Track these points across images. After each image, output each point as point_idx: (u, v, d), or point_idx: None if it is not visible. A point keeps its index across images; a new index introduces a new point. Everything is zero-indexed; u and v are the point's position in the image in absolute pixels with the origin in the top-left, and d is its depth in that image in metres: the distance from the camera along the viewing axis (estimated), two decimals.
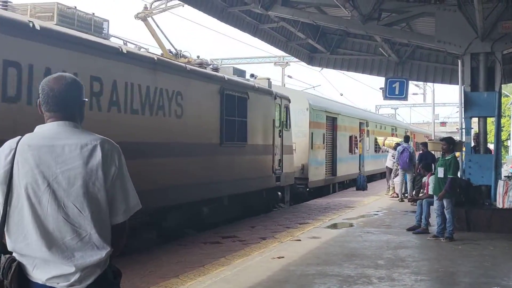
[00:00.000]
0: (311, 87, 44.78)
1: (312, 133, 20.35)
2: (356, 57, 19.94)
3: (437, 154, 20.26)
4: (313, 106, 20.64)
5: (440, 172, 10.67)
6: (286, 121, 17.41)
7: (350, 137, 25.97)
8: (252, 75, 16.30)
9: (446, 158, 10.76)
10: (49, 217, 2.78)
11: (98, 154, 2.84)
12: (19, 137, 2.86)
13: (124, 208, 2.96)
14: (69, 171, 2.79)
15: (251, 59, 40.44)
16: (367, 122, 29.12)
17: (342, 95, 55.26)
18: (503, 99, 46.88)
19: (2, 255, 2.81)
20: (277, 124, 16.39)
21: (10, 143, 2.84)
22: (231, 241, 11.22)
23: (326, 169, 22.45)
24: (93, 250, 2.86)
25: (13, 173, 2.77)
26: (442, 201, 10.71)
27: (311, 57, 20.40)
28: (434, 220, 11.89)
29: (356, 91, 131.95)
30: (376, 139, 31.09)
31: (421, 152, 18.12)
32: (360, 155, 27.42)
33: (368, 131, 28.99)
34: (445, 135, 26.90)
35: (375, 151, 29.89)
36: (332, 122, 23.42)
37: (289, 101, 17.67)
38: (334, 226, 12.70)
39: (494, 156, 12.36)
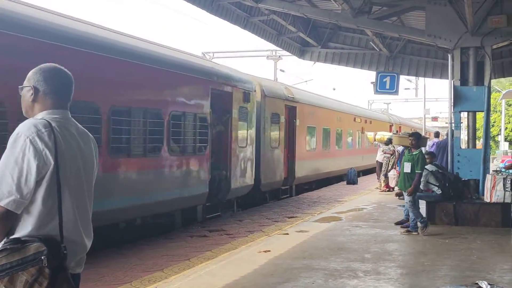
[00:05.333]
0: (303, 82, 44.84)
1: None
2: (347, 51, 19.86)
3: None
4: None
5: (407, 167, 10.76)
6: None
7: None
8: None
9: (414, 153, 10.82)
10: (84, 199, 2.95)
11: (96, 146, 3.16)
12: (42, 119, 2.84)
13: None
14: (90, 157, 3.04)
15: (243, 53, 40.24)
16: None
17: (334, 89, 55.43)
18: (494, 94, 47.04)
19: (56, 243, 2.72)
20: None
21: (42, 124, 2.78)
22: (218, 235, 11.19)
23: None
24: (91, 236, 3.03)
25: (58, 154, 2.77)
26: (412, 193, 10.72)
27: (302, 51, 20.31)
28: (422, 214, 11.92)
29: (349, 85, 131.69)
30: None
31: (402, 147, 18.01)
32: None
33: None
34: (437, 130, 26.83)
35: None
36: None
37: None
38: (323, 220, 12.67)
39: (482, 150, 12.34)
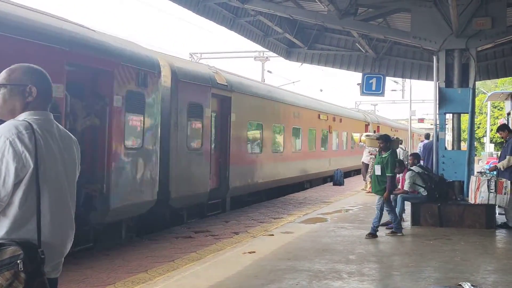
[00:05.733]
0: (291, 83, 44.90)
1: None
2: (333, 53, 19.90)
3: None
4: None
5: (378, 170, 10.65)
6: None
7: None
8: None
9: (383, 156, 10.73)
10: (66, 202, 2.90)
11: (78, 148, 3.10)
12: (24, 121, 2.79)
13: None
14: (72, 160, 2.98)
15: (231, 54, 40.23)
16: None
17: (321, 91, 55.60)
18: (480, 96, 47.39)
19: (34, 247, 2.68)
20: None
21: (23, 126, 2.74)
22: (204, 236, 11.15)
23: None
24: (71, 240, 2.98)
25: (38, 156, 2.73)
26: (388, 197, 10.67)
27: (289, 52, 20.32)
28: (408, 216, 11.97)
29: (336, 87, 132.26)
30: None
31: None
32: None
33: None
34: (424, 132, 26.84)
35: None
36: None
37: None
38: (308, 221, 12.68)
39: (467, 152, 12.42)
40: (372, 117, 38.68)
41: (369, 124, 34.91)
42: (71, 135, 3.08)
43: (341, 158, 28.97)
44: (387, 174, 10.53)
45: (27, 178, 2.68)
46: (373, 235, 10.43)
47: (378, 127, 36.56)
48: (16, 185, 2.66)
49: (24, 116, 2.84)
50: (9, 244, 2.58)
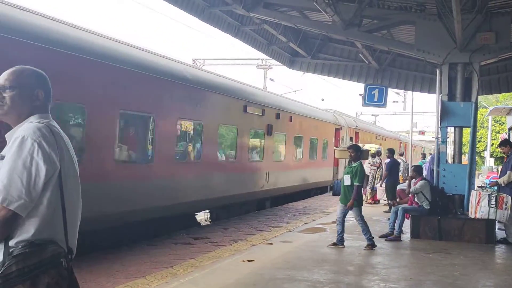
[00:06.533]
0: (292, 91, 44.89)
1: None
2: (337, 63, 19.93)
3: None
4: None
5: (347, 180, 10.52)
6: None
7: None
8: None
9: (353, 165, 10.67)
10: (79, 200, 2.97)
11: None
12: (43, 124, 2.83)
13: None
14: (75, 158, 3.01)
15: (234, 61, 40.26)
16: None
17: (323, 100, 55.55)
18: (481, 110, 47.43)
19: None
20: None
21: (44, 128, 2.79)
22: (203, 243, 11.13)
23: None
24: None
25: (60, 156, 2.80)
26: (344, 209, 10.59)
27: (292, 61, 20.36)
28: (407, 228, 11.94)
29: (338, 97, 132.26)
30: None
31: (388, 159, 18.20)
32: None
33: None
34: (424, 144, 26.75)
35: None
36: None
37: None
38: (307, 230, 12.66)
39: (468, 166, 12.41)
40: (348, 120, 30.03)
41: (341, 128, 27.26)
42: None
43: (290, 172, 20.63)
44: (354, 183, 10.38)
45: (55, 178, 2.75)
46: (372, 246, 10.41)
47: (356, 133, 29.97)
48: (44, 185, 2.71)
49: (37, 119, 2.87)
50: (46, 243, 2.68)
